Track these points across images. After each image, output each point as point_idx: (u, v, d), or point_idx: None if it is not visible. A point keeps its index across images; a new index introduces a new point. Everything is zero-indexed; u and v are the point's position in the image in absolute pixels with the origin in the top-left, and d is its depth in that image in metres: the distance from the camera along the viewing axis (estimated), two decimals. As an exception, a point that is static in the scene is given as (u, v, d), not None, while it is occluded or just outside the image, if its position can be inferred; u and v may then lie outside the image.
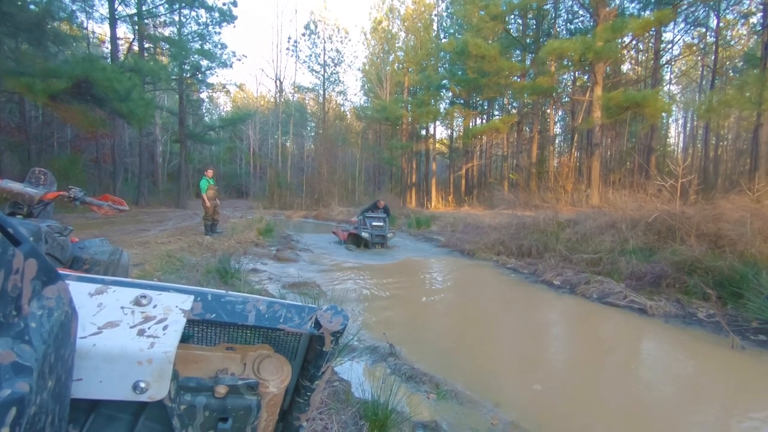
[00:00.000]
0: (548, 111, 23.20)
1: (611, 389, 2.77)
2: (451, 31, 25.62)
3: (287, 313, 0.54)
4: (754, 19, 16.92)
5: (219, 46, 19.92)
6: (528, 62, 20.39)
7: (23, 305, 0.32)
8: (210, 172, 8.46)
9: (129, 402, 0.42)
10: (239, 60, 27.83)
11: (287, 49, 39.84)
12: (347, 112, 35.14)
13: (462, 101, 25.29)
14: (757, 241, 4.73)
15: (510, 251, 7.58)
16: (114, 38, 15.99)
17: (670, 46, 20.58)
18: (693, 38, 19.95)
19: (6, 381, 0.28)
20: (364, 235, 8.76)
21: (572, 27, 21.53)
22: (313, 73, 31.00)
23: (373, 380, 2.66)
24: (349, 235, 9.22)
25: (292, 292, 4.76)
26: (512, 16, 20.34)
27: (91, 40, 19.03)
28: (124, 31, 20.88)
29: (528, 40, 21.14)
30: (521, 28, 21.87)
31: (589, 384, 2.84)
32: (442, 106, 25.95)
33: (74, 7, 14.56)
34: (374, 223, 9.01)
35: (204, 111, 33.56)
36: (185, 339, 0.53)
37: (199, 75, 20.61)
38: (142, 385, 0.40)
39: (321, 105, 31.52)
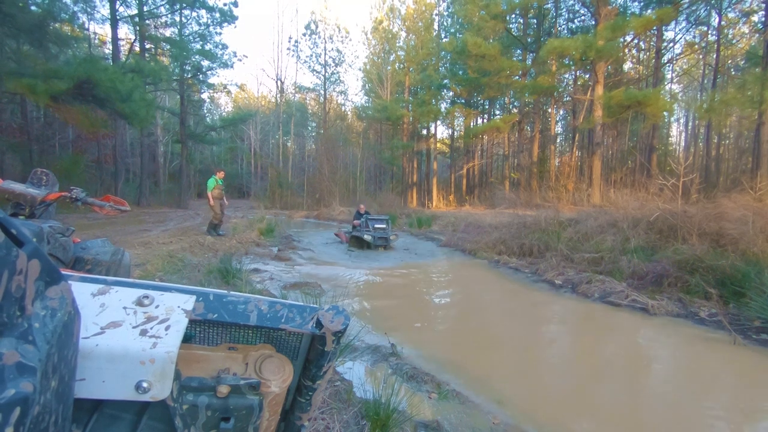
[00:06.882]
0: (549, 110, 23.16)
1: (613, 387, 2.77)
2: (452, 30, 25.59)
3: (289, 313, 0.55)
4: (755, 18, 16.88)
5: (220, 47, 19.94)
6: (529, 61, 20.33)
7: (27, 306, 0.32)
8: (221, 174, 8.53)
9: (132, 402, 0.42)
10: (240, 60, 27.96)
11: (288, 49, 39.73)
12: (348, 112, 35.14)
13: (463, 101, 25.26)
14: (759, 240, 4.72)
15: (511, 250, 7.57)
16: (115, 39, 16.01)
17: (671, 44, 20.52)
18: (694, 37, 19.88)
19: (10, 381, 0.28)
20: (367, 237, 8.75)
21: (573, 26, 21.50)
22: (314, 73, 31.00)
23: (375, 380, 2.66)
24: (352, 237, 9.22)
25: (294, 291, 4.76)
26: (513, 16, 20.30)
27: (92, 41, 19.05)
28: (125, 31, 21.00)
29: (529, 39, 21.09)
30: (522, 27, 21.81)
31: (589, 382, 2.84)
32: (443, 106, 25.93)
33: (76, 8, 14.59)
34: (376, 225, 9.01)
35: (205, 111, 33.63)
36: (187, 339, 0.53)
37: (200, 75, 20.64)
38: (145, 384, 0.41)
39: (322, 105, 31.46)
